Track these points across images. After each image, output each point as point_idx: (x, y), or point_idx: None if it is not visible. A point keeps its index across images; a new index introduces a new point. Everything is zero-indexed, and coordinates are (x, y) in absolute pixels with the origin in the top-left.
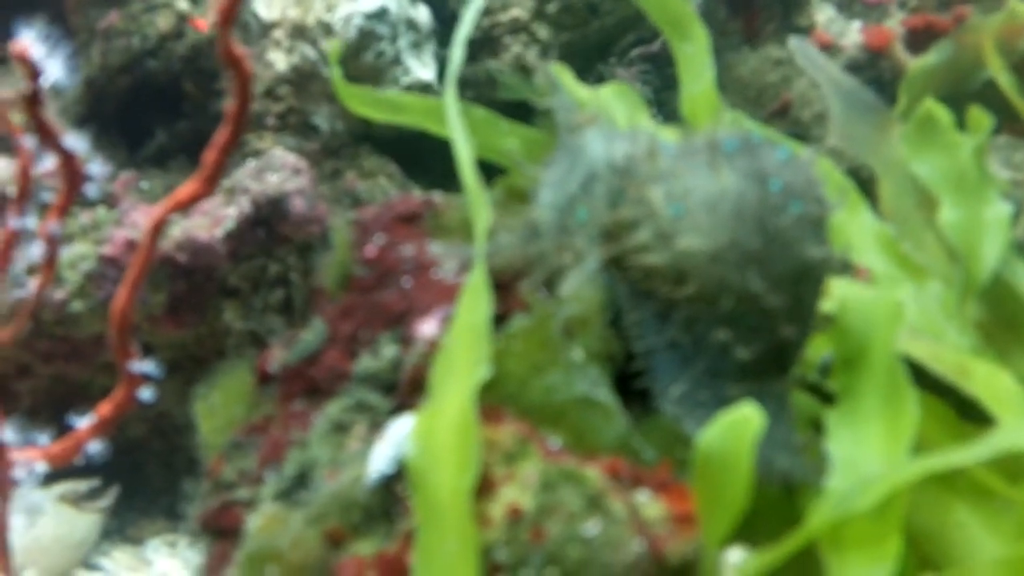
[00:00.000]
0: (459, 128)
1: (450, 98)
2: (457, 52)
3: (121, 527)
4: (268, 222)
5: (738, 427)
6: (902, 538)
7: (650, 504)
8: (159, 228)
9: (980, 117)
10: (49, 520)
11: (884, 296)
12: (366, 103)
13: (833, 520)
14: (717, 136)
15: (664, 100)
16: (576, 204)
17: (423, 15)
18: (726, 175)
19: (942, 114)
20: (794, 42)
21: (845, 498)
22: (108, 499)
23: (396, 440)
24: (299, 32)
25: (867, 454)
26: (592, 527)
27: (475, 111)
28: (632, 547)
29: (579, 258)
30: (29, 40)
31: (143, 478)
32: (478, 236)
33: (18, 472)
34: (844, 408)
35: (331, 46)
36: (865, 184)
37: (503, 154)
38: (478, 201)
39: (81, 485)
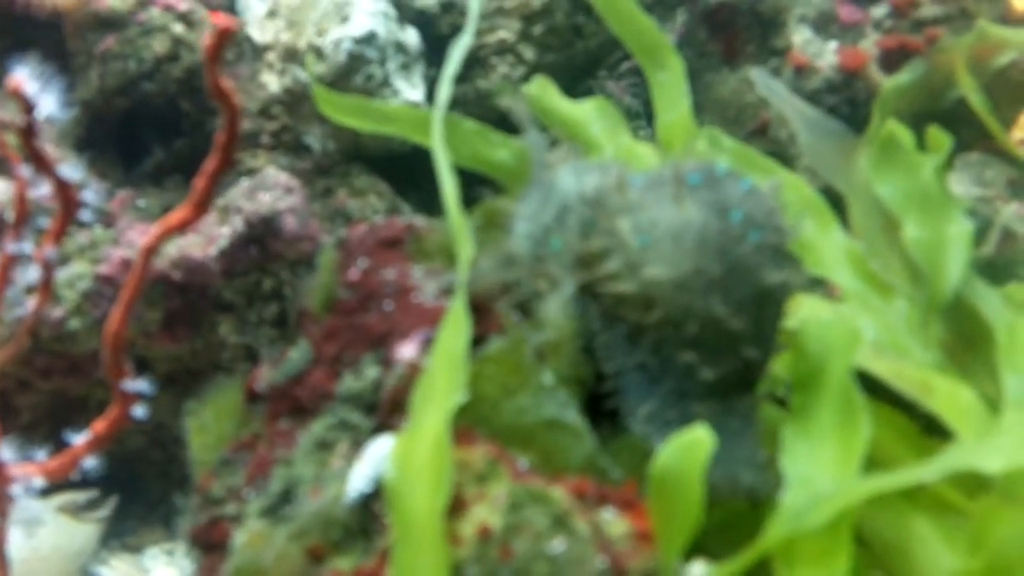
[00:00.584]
0: (445, 163)
1: (437, 138)
2: (444, 90)
3: (119, 536)
4: (261, 240)
5: (691, 448)
6: (851, 555)
7: (615, 521)
8: (151, 253)
9: (939, 137)
10: (48, 531)
11: (842, 320)
12: (349, 112)
13: (786, 536)
14: (682, 169)
15: (652, 112)
16: (550, 235)
17: (412, 38)
18: (689, 207)
19: (903, 135)
20: (756, 74)
21: (797, 515)
22: (107, 509)
23: (374, 460)
24: (291, 55)
25: (820, 471)
26: (557, 545)
27: (466, 124)
28: (595, 564)
29: (552, 286)
30: (23, 76)
31: (141, 488)
32: (460, 268)
33: (16, 488)
34: (799, 426)
35: (307, 58)
36: (837, 205)
37: (494, 166)
38: (462, 235)
39: (80, 496)
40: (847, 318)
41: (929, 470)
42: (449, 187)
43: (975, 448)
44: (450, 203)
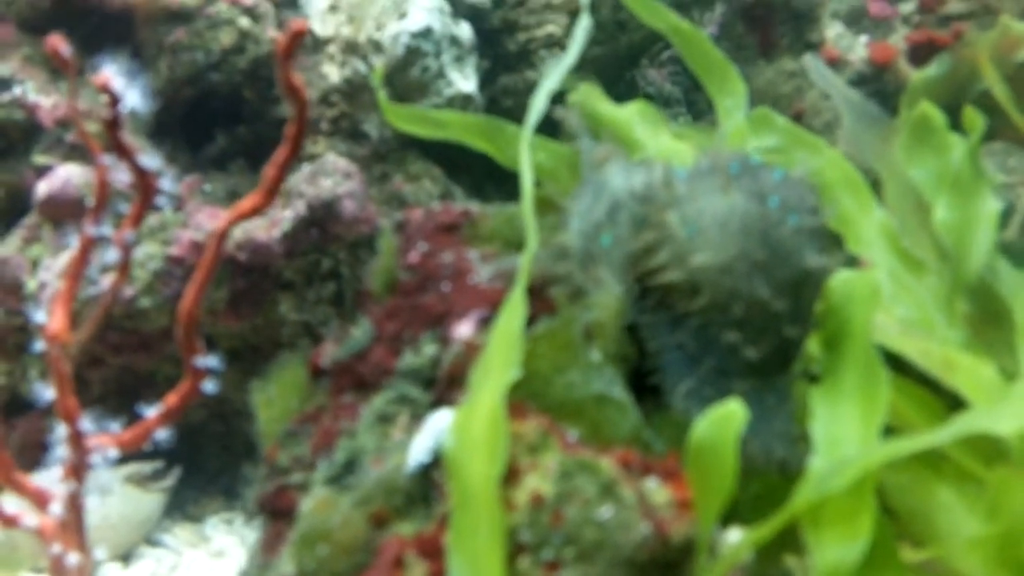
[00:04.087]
0: (527, 170)
1: (524, 154)
2: (535, 109)
3: (182, 506)
4: (321, 223)
5: (725, 420)
6: (874, 516)
7: (658, 490)
8: (223, 237)
9: (974, 117)
10: (116, 499)
11: (862, 275)
12: (410, 121)
13: (812, 500)
14: (722, 159)
15: (693, 99)
16: (601, 231)
17: (465, 32)
18: (734, 195)
19: (936, 116)
20: (808, 59)
21: (823, 479)
22: (170, 480)
23: (434, 432)
24: (351, 48)
25: (845, 434)
26: (605, 511)
27: (508, 128)
28: (640, 529)
29: (598, 281)
30: (110, 72)
31: (202, 460)
32: (526, 257)
33: (94, 457)
34: (825, 387)
35: (375, 69)
36: (876, 188)
37: (534, 166)
38: (531, 230)
39: (145, 467)
40: (868, 273)
41: (944, 433)
42: (527, 185)
43: (987, 413)
44: (526, 200)
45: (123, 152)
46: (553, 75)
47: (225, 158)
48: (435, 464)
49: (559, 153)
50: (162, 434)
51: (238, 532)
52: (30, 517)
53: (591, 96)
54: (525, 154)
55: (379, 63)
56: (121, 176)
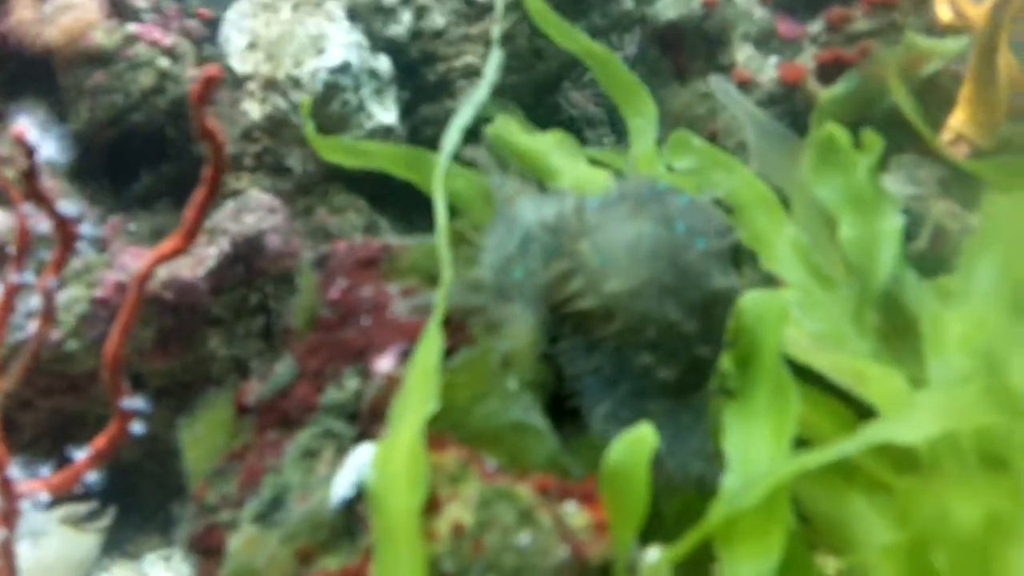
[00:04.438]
0: (441, 205)
1: (438, 189)
2: (451, 138)
3: (119, 544)
4: (246, 259)
5: (636, 444)
6: (786, 530)
7: (576, 514)
8: (144, 280)
9: (872, 139)
10: (53, 541)
11: (771, 295)
12: (336, 151)
13: (725, 516)
14: (630, 187)
15: (616, 120)
16: (513, 264)
17: (384, 64)
18: (641, 221)
19: (840, 136)
20: (714, 80)
21: (734, 496)
22: (106, 519)
23: (356, 467)
24: (271, 85)
25: (756, 449)
26: (524, 537)
27: (431, 157)
28: (559, 553)
29: (513, 314)
30: (24, 124)
31: (138, 497)
32: (441, 290)
33: (23, 502)
34: (737, 405)
35: (302, 102)
36: (784, 205)
37: (453, 193)
38: (445, 263)
39: (80, 507)
40: (777, 293)
41: (852, 444)
42: (441, 221)
43: (894, 422)
44: (440, 236)
45: (41, 200)
46: (465, 109)
47: (150, 197)
48: (358, 498)
49: (477, 182)
50: (92, 476)
51: (176, 568)
52: None
53: (507, 127)
54: (439, 189)
55: (302, 98)
56: (42, 224)
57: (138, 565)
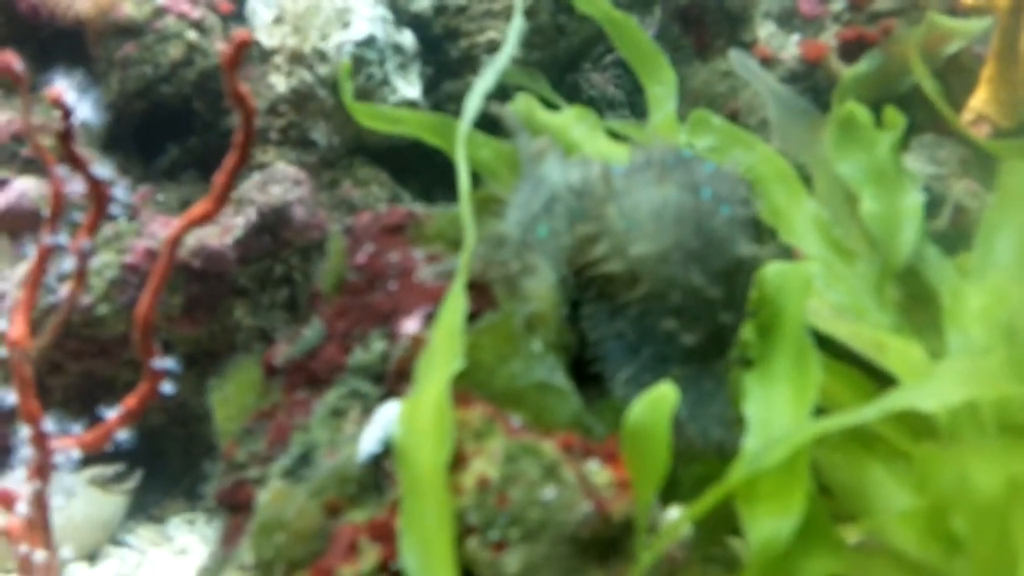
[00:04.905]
0: (464, 168)
1: (461, 153)
2: (470, 111)
3: (144, 507)
4: (273, 229)
5: (658, 402)
6: (807, 491)
7: (599, 472)
8: (176, 244)
9: (895, 116)
10: (80, 501)
11: (796, 267)
12: (371, 116)
13: (746, 476)
14: (656, 154)
15: (636, 102)
16: (537, 222)
17: (408, 39)
18: (668, 186)
19: (861, 114)
20: (735, 55)
21: (756, 456)
22: (132, 482)
23: (383, 423)
24: (297, 58)
25: (777, 414)
26: (548, 492)
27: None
28: (582, 508)
29: (533, 268)
30: (62, 86)
31: (164, 462)
32: (464, 252)
33: (56, 458)
34: (758, 372)
35: (343, 66)
36: (806, 180)
37: (478, 162)
38: (468, 225)
39: (108, 469)
40: (801, 264)
41: (872, 410)
42: (463, 184)
43: (914, 390)
44: (463, 199)
45: (76, 163)
46: (488, 75)
47: (177, 169)
48: (385, 453)
49: (501, 150)
50: (123, 435)
51: (200, 531)
52: None
53: (528, 104)
54: (461, 152)
55: (343, 62)
56: (76, 187)
57: (163, 528)
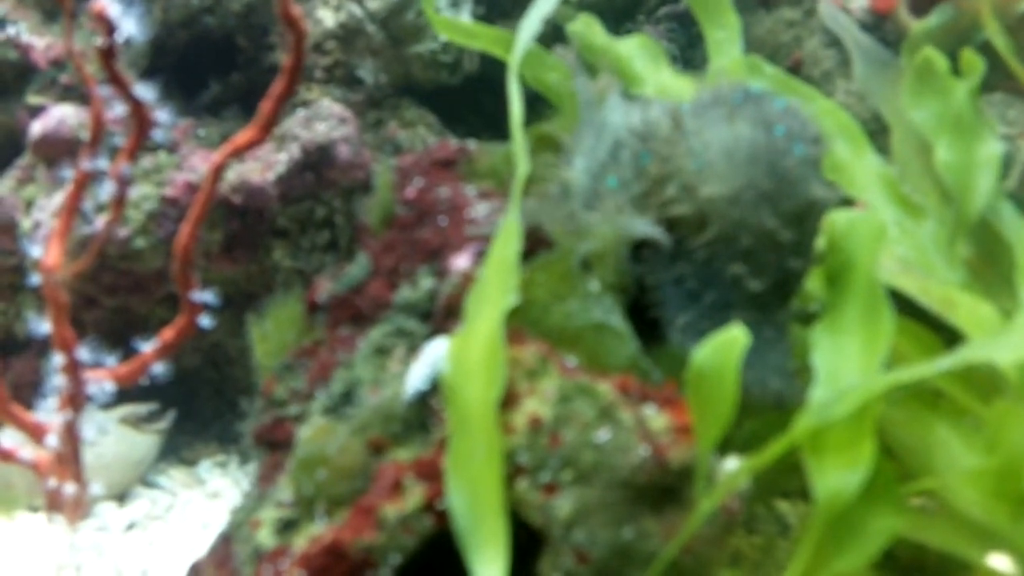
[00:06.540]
0: (516, 96)
1: (512, 75)
2: (526, 33)
3: (176, 449)
4: (316, 167)
5: (726, 346)
6: (875, 444)
7: (656, 417)
8: (220, 170)
9: (973, 60)
10: (112, 440)
11: (868, 216)
12: (448, 28)
13: (813, 427)
14: (724, 91)
15: (689, 57)
16: (606, 171)
17: None
18: (739, 124)
19: (938, 60)
20: (824, 6)
21: (824, 407)
22: (165, 422)
23: (431, 360)
24: None
25: (846, 365)
26: (603, 434)
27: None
28: (638, 452)
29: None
30: (106, 2)
31: (197, 405)
32: (516, 185)
33: (90, 390)
34: (827, 322)
35: None
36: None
37: (546, 85)
38: (520, 153)
39: (140, 408)
40: (874, 214)
41: (945, 362)
42: (515, 112)
43: (989, 343)
44: (515, 126)
45: (118, 83)
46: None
47: (218, 105)
48: (433, 391)
49: (568, 74)
50: (159, 369)
51: (232, 475)
52: (26, 451)
53: (590, 27)
54: (513, 78)
55: (379, 4)
56: (116, 112)
57: (194, 471)
